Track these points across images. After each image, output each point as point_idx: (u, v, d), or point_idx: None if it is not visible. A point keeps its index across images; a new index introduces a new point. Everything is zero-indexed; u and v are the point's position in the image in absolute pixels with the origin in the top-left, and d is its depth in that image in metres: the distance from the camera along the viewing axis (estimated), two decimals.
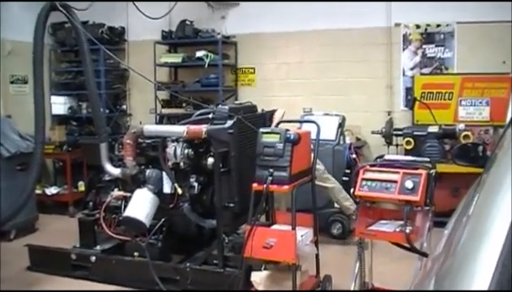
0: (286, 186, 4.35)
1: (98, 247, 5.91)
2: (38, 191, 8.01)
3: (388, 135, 7.52)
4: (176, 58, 9.07)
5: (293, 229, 4.35)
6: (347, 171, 6.70)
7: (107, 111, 9.02)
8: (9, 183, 6.86)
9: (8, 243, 6.91)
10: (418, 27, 8.19)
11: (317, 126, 4.98)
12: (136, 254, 5.57)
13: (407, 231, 3.98)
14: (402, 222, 4.05)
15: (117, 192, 5.83)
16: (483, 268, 1.31)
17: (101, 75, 8.90)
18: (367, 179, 4.27)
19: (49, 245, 6.21)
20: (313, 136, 4.87)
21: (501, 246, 1.33)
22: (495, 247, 1.33)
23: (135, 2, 6.49)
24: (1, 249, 6.49)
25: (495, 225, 1.45)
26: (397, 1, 8.08)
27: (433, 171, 4.19)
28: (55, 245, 6.18)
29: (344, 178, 6.66)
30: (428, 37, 8.17)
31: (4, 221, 5.92)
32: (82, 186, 8.69)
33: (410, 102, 7.98)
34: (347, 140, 7.31)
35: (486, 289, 1.24)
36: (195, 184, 5.47)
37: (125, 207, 5.54)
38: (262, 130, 4.59)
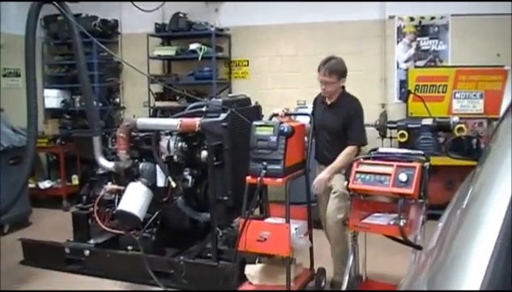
0: (280, 180, 4.35)
1: (92, 241, 5.91)
2: (31, 185, 7.99)
3: (382, 128, 7.51)
4: (169, 51, 9.03)
5: (287, 222, 4.35)
6: None
7: (100, 104, 8.96)
8: (2, 177, 6.83)
9: (1, 237, 6.88)
10: (412, 19, 8.17)
11: (312, 118, 4.99)
12: (130, 248, 5.56)
13: (401, 224, 3.99)
14: (396, 215, 4.06)
15: (110, 186, 5.82)
16: (476, 262, 1.30)
17: (94, 68, 8.85)
18: (361, 172, 4.28)
19: (42, 239, 6.21)
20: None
21: (495, 240, 1.32)
22: (488, 241, 1.33)
23: None
24: None
25: (488, 219, 1.45)
26: None
27: (426, 164, 4.19)
28: (49, 239, 6.18)
29: None
30: (423, 30, 8.15)
31: None
32: (75, 179, 8.66)
33: (404, 95, 7.97)
34: None
35: (479, 285, 1.23)
36: (189, 177, 5.46)
37: (119, 200, 5.53)
38: (255, 123, 4.59)
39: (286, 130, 4.39)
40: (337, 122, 4.94)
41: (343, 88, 5.06)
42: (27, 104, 5.50)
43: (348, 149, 4.83)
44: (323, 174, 4.81)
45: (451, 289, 1.32)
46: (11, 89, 8.72)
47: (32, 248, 6.10)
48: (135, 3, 6.44)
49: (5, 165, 6.95)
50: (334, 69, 4.93)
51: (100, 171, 6.01)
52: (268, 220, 4.75)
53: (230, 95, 6.78)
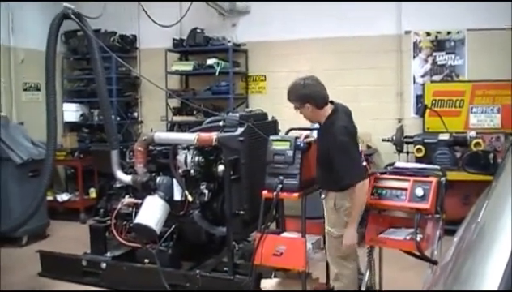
0: (296, 194, 4.35)
1: (109, 254, 5.93)
2: (49, 198, 8.06)
3: (399, 143, 7.49)
4: (187, 66, 9.10)
5: (303, 236, 4.35)
6: None
7: (118, 118, 9.07)
8: (21, 190, 6.93)
9: (20, 249, 6.95)
10: (428, 34, 8.18)
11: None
12: (146, 261, 5.59)
13: (418, 239, 3.97)
14: (412, 230, 4.05)
15: (127, 199, 5.85)
16: (491, 275, 1.31)
17: (113, 82, 8.95)
18: (378, 187, 4.27)
19: (60, 251, 6.24)
20: None
21: (509, 255, 1.33)
22: (503, 255, 1.33)
23: (147, 11, 6.54)
24: (12, 255, 6.56)
25: (503, 234, 1.45)
26: (408, 1, 8.06)
27: (443, 179, 4.19)
28: (66, 251, 6.21)
29: None
30: (439, 45, 8.15)
31: (16, 227, 5.97)
32: (93, 192, 8.74)
33: (420, 110, 7.96)
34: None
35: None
36: (205, 191, 5.46)
37: (136, 214, 5.56)
38: (272, 137, 4.61)
39: (302, 144, 4.40)
40: (321, 148, 4.37)
41: (333, 110, 4.33)
42: (46, 117, 5.58)
43: (353, 194, 4.14)
44: (350, 231, 4.19)
45: None
46: (31, 103, 8.86)
47: (50, 260, 6.14)
48: (154, 19, 6.51)
49: (24, 178, 7.03)
50: (291, 95, 4.40)
51: (118, 184, 6.05)
52: (284, 234, 4.76)
53: (247, 109, 6.80)
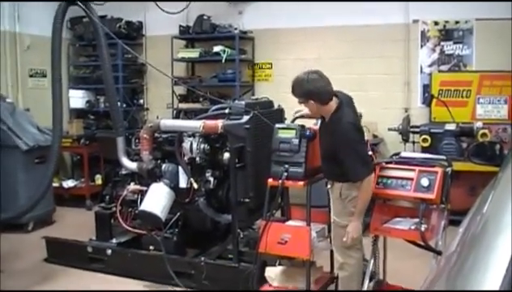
0: (301, 182, 4.35)
1: (114, 240, 5.96)
2: (55, 184, 8.09)
3: (405, 133, 7.46)
4: (193, 53, 9.08)
5: (308, 225, 4.35)
6: None
7: (124, 105, 9.07)
8: (27, 176, 6.95)
9: (26, 235, 6.99)
10: (436, 23, 8.12)
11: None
12: (151, 248, 5.61)
13: (422, 229, 3.98)
14: (417, 220, 4.05)
15: (133, 186, 5.87)
16: (494, 269, 1.30)
17: (119, 69, 8.93)
18: (383, 176, 4.27)
19: (65, 237, 6.27)
20: None
21: None
22: (507, 248, 1.33)
23: None
24: (18, 241, 6.60)
25: (508, 226, 1.45)
26: None
27: (449, 169, 4.18)
28: (72, 237, 6.24)
29: None
30: (447, 34, 8.09)
31: (22, 213, 5.99)
32: (99, 179, 8.77)
33: (427, 99, 7.92)
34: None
35: (498, 288, 1.24)
36: (211, 179, 5.48)
37: (142, 201, 5.59)
38: (277, 125, 4.60)
39: (308, 133, 4.40)
40: (326, 142, 4.30)
41: (338, 105, 4.23)
42: (52, 104, 5.58)
43: (361, 187, 4.10)
44: (355, 224, 4.16)
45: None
46: (37, 89, 8.87)
47: (56, 246, 6.18)
48: (160, 5, 6.50)
49: (30, 164, 7.05)
50: (296, 91, 4.29)
51: (123, 171, 6.07)
52: (289, 222, 4.77)
53: (253, 97, 6.80)
